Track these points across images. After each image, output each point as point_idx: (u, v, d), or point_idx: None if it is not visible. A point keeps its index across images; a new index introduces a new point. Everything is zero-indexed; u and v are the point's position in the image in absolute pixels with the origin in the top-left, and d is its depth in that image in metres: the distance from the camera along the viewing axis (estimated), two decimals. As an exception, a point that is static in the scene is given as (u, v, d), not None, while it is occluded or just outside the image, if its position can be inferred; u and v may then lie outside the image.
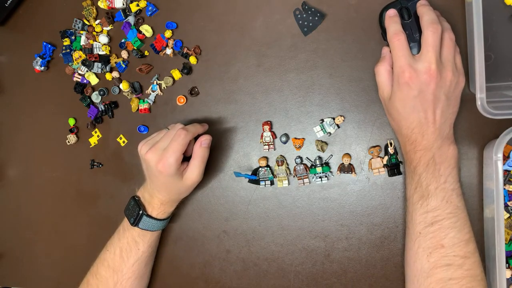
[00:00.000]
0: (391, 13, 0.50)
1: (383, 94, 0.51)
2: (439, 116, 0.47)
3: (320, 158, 0.59)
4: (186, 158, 0.56)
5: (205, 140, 0.56)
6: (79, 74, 0.70)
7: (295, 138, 0.60)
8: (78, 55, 0.69)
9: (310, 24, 0.58)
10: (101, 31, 0.68)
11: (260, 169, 0.60)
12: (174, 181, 0.54)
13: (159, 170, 0.53)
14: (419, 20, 0.49)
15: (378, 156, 0.56)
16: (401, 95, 0.48)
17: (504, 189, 0.52)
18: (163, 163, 0.52)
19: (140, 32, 0.65)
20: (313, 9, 0.58)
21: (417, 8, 0.50)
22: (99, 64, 0.67)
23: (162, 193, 0.56)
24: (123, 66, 0.67)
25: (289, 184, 0.60)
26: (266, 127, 0.60)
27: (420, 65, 0.46)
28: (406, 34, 0.49)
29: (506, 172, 0.52)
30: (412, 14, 0.50)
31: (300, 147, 0.59)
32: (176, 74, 0.64)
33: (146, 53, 0.66)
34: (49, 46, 0.71)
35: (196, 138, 0.57)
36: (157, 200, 0.57)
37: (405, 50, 0.47)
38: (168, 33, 0.64)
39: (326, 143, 0.59)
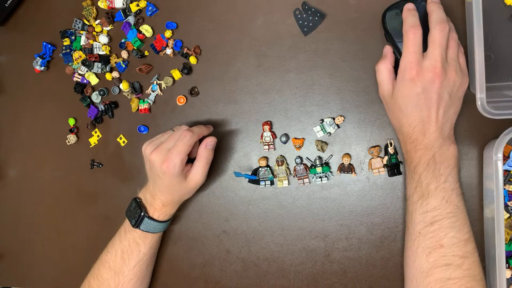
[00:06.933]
0: (410, 6, 0.50)
1: (383, 92, 0.51)
2: (441, 116, 0.47)
3: (320, 158, 0.59)
4: (189, 160, 0.56)
5: (211, 141, 0.56)
6: (79, 74, 0.70)
7: (295, 138, 0.60)
8: (78, 55, 0.69)
9: (310, 24, 0.58)
10: (101, 31, 0.68)
11: (260, 169, 0.60)
12: (178, 182, 0.54)
13: (163, 171, 0.53)
14: (422, 21, 0.49)
15: (378, 156, 0.56)
16: (405, 92, 0.47)
17: (504, 189, 0.52)
18: (168, 163, 0.52)
19: (140, 32, 0.65)
20: (313, 9, 0.58)
21: (427, 5, 0.49)
22: (99, 64, 0.67)
23: (164, 195, 0.56)
24: (123, 66, 0.67)
25: (289, 184, 0.60)
26: (266, 127, 0.60)
27: (426, 63, 0.46)
28: None
29: (506, 172, 0.52)
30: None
31: (300, 147, 0.59)
32: (176, 74, 0.64)
33: (146, 53, 0.66)
34: (49, 46, 0.71)
35: (200, 140, 0.57)
36: (159, 202, 0.57)
37: (418, 47, 0.47)
38: (168, 33, 0.64)
39: (326, 143, 0.59)
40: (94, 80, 0.69)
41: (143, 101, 0.66)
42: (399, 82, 0.48)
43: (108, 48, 0.68)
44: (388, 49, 0.52)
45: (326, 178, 0.58)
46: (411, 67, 0.47)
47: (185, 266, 0.65)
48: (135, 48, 0.66)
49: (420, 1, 0.51)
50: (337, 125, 0.58)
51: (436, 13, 0.48)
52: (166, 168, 0.53)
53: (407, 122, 0.49)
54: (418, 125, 0.48)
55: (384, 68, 0.51)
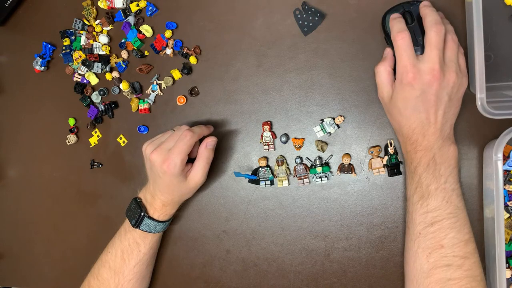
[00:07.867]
0: (395, 15, 0.51)
1: (382, 94, 0.51)
2: (440, 117, 0.47)
3: (320, 158, 0.59)
4: (189, 160, 0.56)
5: (211, 141, 0.56)
6: (79, 74, 0.70)
7: (295, 138, 0.60)
8: (78, 55, 0.69)
9: (310, 24, 0.58)
10: (101, 31, 0.68)
11: (260, 169, 0.60)
12: (178, 182, 0.54)
13: (163, 171, 0.53)
14: (419, 22, 0.49)
15: (378, 156, 0.56)
16: (403, 95, 0.48)
17: (504, 189, 0.52)
18: (168, 163, 0.52)
19: (140, 32, 0.65)
20: (313, 9, 0.58)
21: (420, 9, 0.49)
22: (99, 64, 0.67)
23: (164, 194, 0.56)
24: (123, 66, 0.67)
25: (289, 184, 0.60)
26: (266, 127, 0.60)
27: (424, 65, 0.46)
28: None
29: (506, 172, 0.52)
30: (415, 18, 0.50)
31: (300, 147, 0.59)
32: (176, 74, 0.64)
33: (146, 53, 0.66)
34: (49, 46, 0.71)
35: (201, 140, 0.57)
36: (159, 202, 0.57)
37: (409, 50, 0.47)
38: (168, 33, 0.64)
39: (326, 143, 0.59)
40: (94, 80, 0.69)
41: (143, 101, 0.66)
42: (397, 86, 0.48)
43: (108, 48, 0.68)
44: (388, 51, 0.52)
45: (326, 178, 0.58)
46: (407, 71, 0.47)
47: (185, 266, 0.65)
48: (135, 48, 0.66)
49: (417, 2, 0.51)
50: (337, 125, 0.58)
51: (429, 15, 0.48)
52: (167, 168, 0.53)
53: (407, 124, 0.49)
54: (418, 127, 0.48)
55: (383, 70, 0.51)
